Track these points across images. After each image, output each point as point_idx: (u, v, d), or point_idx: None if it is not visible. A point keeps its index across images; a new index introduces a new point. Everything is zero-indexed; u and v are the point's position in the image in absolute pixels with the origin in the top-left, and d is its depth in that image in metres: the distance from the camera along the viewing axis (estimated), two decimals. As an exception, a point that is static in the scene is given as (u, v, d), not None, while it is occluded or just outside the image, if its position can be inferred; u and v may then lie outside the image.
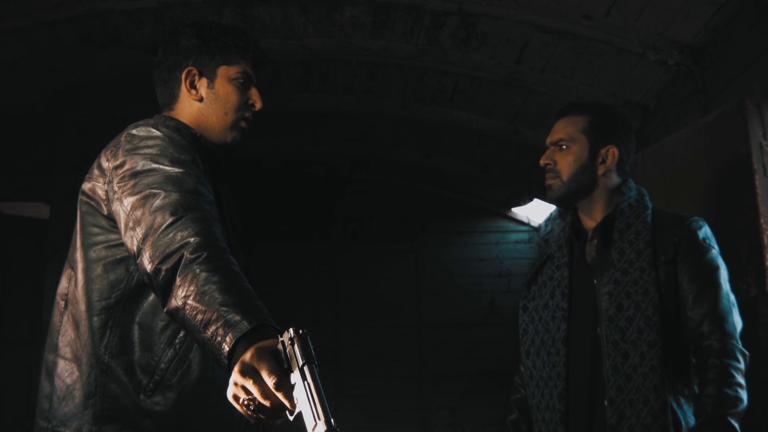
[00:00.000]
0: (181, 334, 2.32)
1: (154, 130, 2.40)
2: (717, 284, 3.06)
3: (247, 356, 1.75)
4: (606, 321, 3.07)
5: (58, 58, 5.94)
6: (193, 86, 2.65)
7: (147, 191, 2.20)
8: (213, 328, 1.88)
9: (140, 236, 2.13)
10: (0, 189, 7.12)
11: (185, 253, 2.02)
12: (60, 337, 2.40)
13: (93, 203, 2.40)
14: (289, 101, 6.98)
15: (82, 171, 2.55)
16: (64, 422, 2.30)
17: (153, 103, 2.77)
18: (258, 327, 1.85)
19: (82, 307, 2.36)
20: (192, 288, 1.95)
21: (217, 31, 2.68)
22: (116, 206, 2.27)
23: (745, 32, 4.45)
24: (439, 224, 9.74)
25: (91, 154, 2.59)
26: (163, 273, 2.03)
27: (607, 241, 3.22)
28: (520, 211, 9.61)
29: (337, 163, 9.25)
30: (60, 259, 5.91)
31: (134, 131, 2.42)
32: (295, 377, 1.70)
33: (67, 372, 2.34)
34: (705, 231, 3.18)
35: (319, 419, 1.62)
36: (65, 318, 2.41)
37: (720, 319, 2.98)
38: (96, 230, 2.39)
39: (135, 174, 2.27)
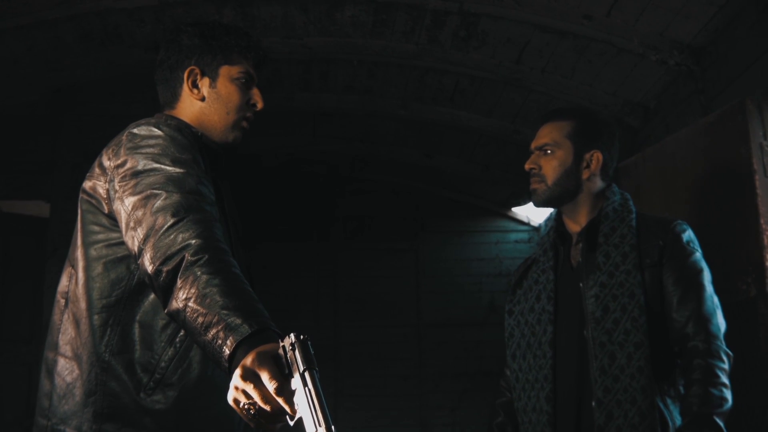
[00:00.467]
0: (181, 333, 2.32)
1: (156, 129, 2.40)
2: (701, 286, 3.12)
3: (248, 361, 1.76)
4: (592, 323, 3.11)
5: (59, 57, 5.94)
6: (195, 85, 2.65)
7: (148, 191, 2.20)
8: (214, 331, 1.88)
9: (141, 237, 2.13)
10: (0, 187, 7.12)
11: (186, 255, 2.02)
12: (60, 335, 2.40)
13: (94, 201, 2.40)
14: (289, 100, 6.98)
15: (82, 169, 2.55)
16: (64, 420, 2.31)
17: (153, 102, 2.78)
18: (259, 331, 1.86)
19: (83, 305, 2.36)
20: (193, 290, 1.96)
21: (219, 30, 2.68)
22: (117, 205, 2.27)
23: (745, 32, 4.45)
24: (439, 224, 9.74)
25: (91, 153, 2.60)
26: (164, 274, 2.04)
27: (593, 245, 3.26)
28: (520, 211, 9.61)
29: (337, 163, 9.25)
30: (60, 257, 5.92)
31: (136, 130, 2.42)
32: (296, 383, 1.71)
33: (67, 370, 2.35)
34: (689, 234, 3.23)
35: (320, 425, 1.63)
36: (66, 316, 2.41)
37: (704, 320, 3.03)
38: (97, 228, 2.39)
39: (136, 173, 2.27)
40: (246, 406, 1.75)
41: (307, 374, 1.70)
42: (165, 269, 2.03)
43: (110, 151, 2.41)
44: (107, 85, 6.46)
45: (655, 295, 3.12)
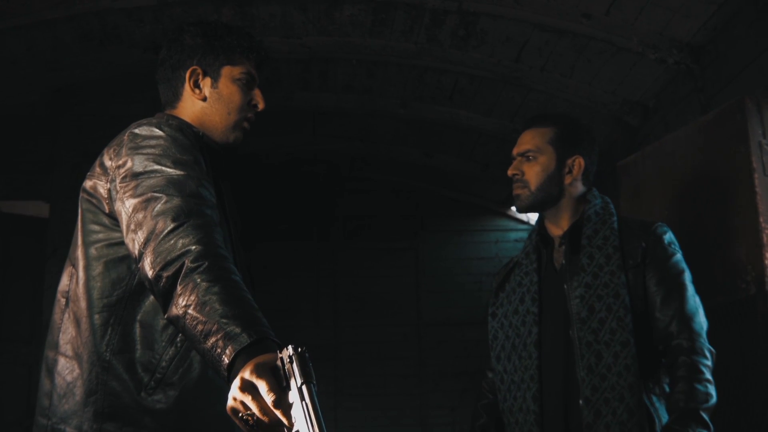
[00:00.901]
0: None
1: (157, 130, 2.40)
2: (683, 286, 3.20)
3: (247, 372, 1.76)
4: (578, 323, 3.16)
5: (58, 57, 5.94)
6: (196, 85, 2.65)
7: (149, 194, 2.21)
8: (213, 339, 1.89)
9: (142, 240, 2.13)
10: (0, 187, 7.12)
11: (186, 261, 2.02)
12: (61, 335, 2.40)
13: (94, 201, 2.41)
14: (288, 100, 6.98)
15: (81, 169, 2.55)
16: (65, 419, 2.31)
17: (153, 102, 2.78)
18: (258, 340, 1.86)
19: (83, 304, 2.36)
20: (193, 297, 1.96)
21: (222, 30, 2.69)
22: (118, 206, 2.28)
23: (744, 31, 4.45)
24: (438, 223, 9.73)
25: (90, 153, 2.60)
26: (164, 280, 2.04)
27: (575, 247, 3.33)
28: (520, 210, 9.59)
29: (336, 162, 9.25)
30: (60, 257, 5.92)
31: (137, 130, 2.42)
32: (293, 396, 1.72)
33: (67, 369, 2.35)
34: (669, 236, 3.33)
35: None
36: (66, 315, 2.41)
37: (688, 319, 3.12)
38: (97, 228, 2.40)
39: (136, 175, 2.28)
40: (244, 417, 1.76)
41: (304, 388, 1.70)
42: (165, 275, 2.04)
43: (112, 150, 2.41)
44: (106, 85, 6.46)
45: (639, 295, 3.19)
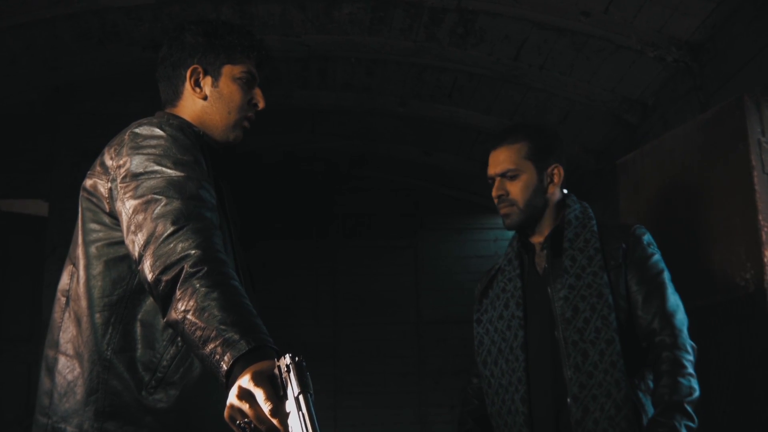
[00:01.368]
0: None
1: (158, 130, 2.40)
2: (663, 285, 3.28)
3: (245, 380, 1.78)
4: (563, 324, 3.22)
5: (57, 56, 5.94)
6: (197, 84, 2.65)
7: (149, 196, 2.21)
8: (212, 345, 1.90)
9: (141, 243, 2.14)
10: (-1, 186, 7.13)
11: (185, 266, 2.03)
12: (61, 334, 2.40)
13: (94, 200, 2.41)
14: (288, 98, 6.98)
15: (81, 168, 2.56)
16: (65, 419, 2.31)
17: (152, 101, 2.78)
18: (256, 348, 1.88)
19: (84, 303, 2.36)
20: (191, 303, 1.98)
21: (223, 29, 2.69)
22: (119, 206, 2.28)
23: (743, 29, 4.45)
24: (438, 221, 9.73)
25: (90, 152, 2.60)
26: (163, 284, 2.05)
27: (557, 251, 3.38)
28: (519, 208, 9.60)
29: (336, 160, 9.24)
30: (59, 256, 5.92)
31: (138, 129, 2.42)
32: (290, 405, 1.74)
33: (68, 368, 2.35)
34: (648, 237, 3.40)
35: None
36: (66, 314, 2.41)
37: (669, 316, 3.19)
38: (97, 227, 2.40)
39: (137, 175, 2.28)
40: (242, 425, 1.77)
41: (301, 398, 1.72)
42: (164, 279, 2.05)
43: (113, 150, 2.41)
44: (105, 83, 6.46)
45: (621, 294, 3.26)
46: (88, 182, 2.45)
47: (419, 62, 6.25)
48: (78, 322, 2.37)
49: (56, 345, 2.41)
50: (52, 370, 2.39)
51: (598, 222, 3.43)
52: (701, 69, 4.96)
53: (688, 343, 3.15)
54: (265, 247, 9.28)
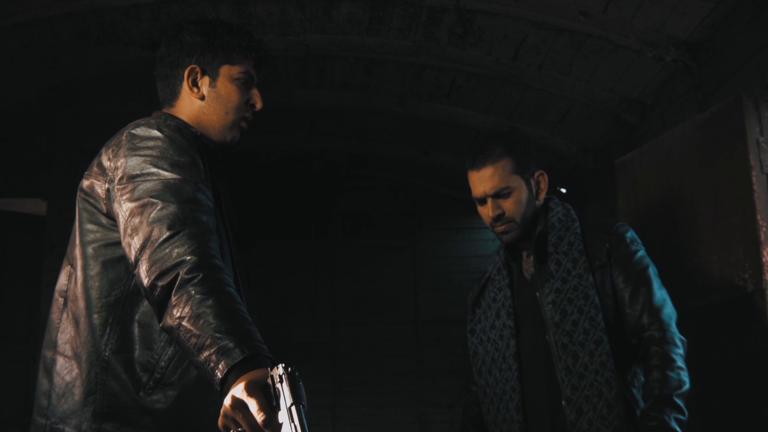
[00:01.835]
0: None
1: (155, 131, 2.40)
2: (649, 280, 3.29)
3: (238, 389, 1.80)
4: (553, 327, 3.25)
5: (55, 55, 5.94)
6: (195, 84, 2.65)
7: (146, 199, 2.21)
8: (206, 353, 1.91)
9: (138, 247, 2.14)
10: (-3, 185, 7.13)
11: (181, 272, 2.04)
12: (59, 334, 2.40)
13: (91, 200, 2.40)
14: (286, 97, 6.98)
15: (79, 167, 2.56)
16: (64, 419, 2.31)
17: (150, 100, 2.78)
18: (251, 356, 1.89)
19: (82, 304, 2.36)
20: (187, 310, 1.98)
21: (221, 29, 2.69)
22: (116, 208, 2.28)
23: (742, 28, 4.45)
24: (436, 220, 9.73)
25: (88, 151, 2.60)
26: (158, 289, 2.06)
27: (543, 256, 3.40)
28: (517, 208, 9.60)
29: (334, 160, 9.24)
30: (57, 255, 5.92)
31: (135, 131, 2.42)
32: (283, 416, 1.75)
33: (66, 369, 2.35)
34: (631, 234, 3.42)
35: None
36: (64, 315, 2.41)
37: (657, 311, 3.22)
38: (94, 228, 2.40)
39: (133, 177, 2.28)
40: None
41: (293, 409, 1.73)
42: (160, 284, 2.05)
43: (110, 151, 2.41)
44: (104, 82, 6.46)
45: (607, 293, 3.29)
46: (85, 183, 2.45)
47: (418, 62, 6.25)
48: (76, 322, 2.37)
49: (54, 345, 2.40)
50: (50, 371, 2.39)
51: (581, 222, 3.45)
52: (700, 69, 4.96)
53: (677, 337, 3.18)
54: (264, 246, 9.29)
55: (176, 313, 1.99)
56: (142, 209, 2.20)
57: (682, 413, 3.01)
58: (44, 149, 6.80)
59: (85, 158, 2.54)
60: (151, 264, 2.08)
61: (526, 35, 5.53)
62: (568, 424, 3.13)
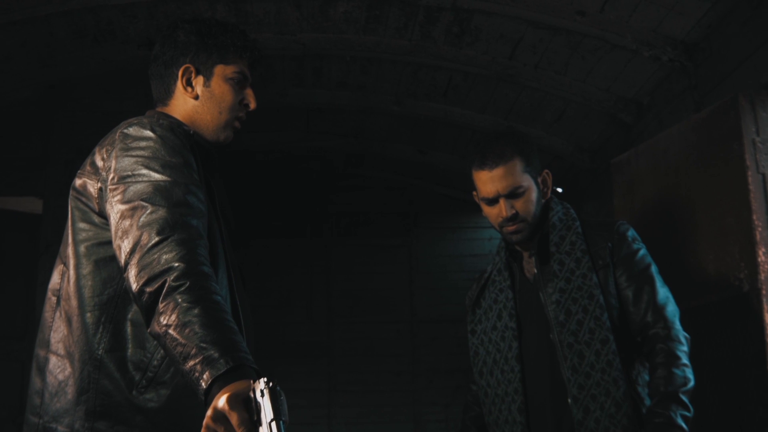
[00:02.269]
0: None
1: (148, 131, 2.39)
2: (652, 278, 3.31)
3: (220, 402, 1.81)
4: (557, 327, 3.26)
5: (52, 53, 5.93)
6: (189, 83, 2.65)
7: (136, 202, 2.22)
8: (191, 363, 1.93)
9: (127, 251, 2.15)
10: (-7, 183, 7.12)
11: (168, 279, 2.05)
12: (52, 333, 2.40)
13: (83, 199, 2.41)
14: (282, 96, 6.97)
15: (75, 165, 2.55)
16: (56, 418, 2.31)
17: (146, 98, 2.78)
18: (235, 367, 1.90)
19: (75, 302, 2.36)
20: (173, 318, 1.99)
21: (216, 28, 2.69)
22: (108, 208, 2.29)
23: (738, 29, 4.45)
24: (432, 220, 9.73)
25: (84, 149, 2.60)
26: (146, 295, 2.07)
27: (544, 256, 3.40)
28: (514, 207, 9.61)
29: (330, 158, 9.24)
30: (53, 254, 5.88)
31: (127, 130, 2.42)
32: (263, 431, 1.77)
33: (59, 368, 2.35)
34: (632, 232, 3.44)
35: None
36: (57, 314, 2.41)
37: (661, 308, 3.25)
38: (87, 227, 2.40)
39: (124, 178, 2.29)
40: None
41: (273, 425, 1.75)
42: (148, 290, 2.06)
43: (104, 150, 2.41)
44: (100, 81, 6.44)
45: (611, 292, 3.30)
46: (77, 181, 2.45)
47: (414, 61, 6.25)
48: (69, 321, 2.37)
49: (47, 344, 2.41)
50: (42, 370, 2.39)
51: (581, 221, 3.45)
52: (696, 69, 4.97)
53: (682, 334, 3.20)
54: (260, 245, 9.28)
55: (163, 320, 2.00)
56: (132, 212, 2.20)
57: (688, 410, 3.03)
58: (40, 147, 6.79)
59: (81, 157, 2.53)
60: (140, 269, 2.09)
61: (522, 35, 5.53)
62: (576, 424, 3.14)
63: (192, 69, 2.65)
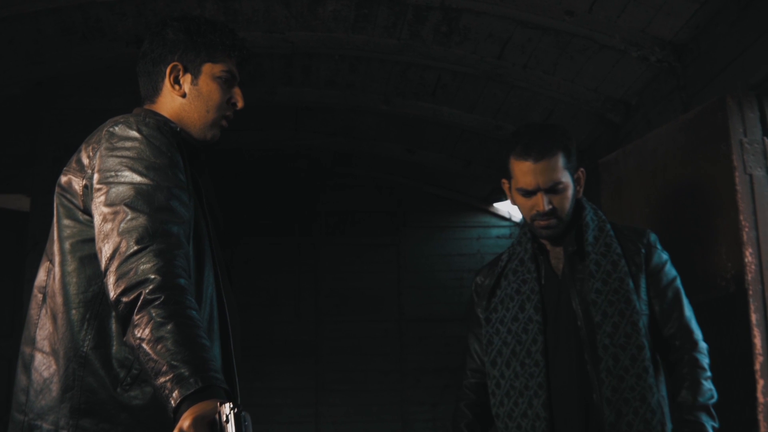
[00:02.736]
0: None
1: (133, 131, 2.39)
2: (679, 291, 3.34)
3: (186, 423, 1.84)
4: (592, 327, 3.21)
5: (40, 50, 5.91)
6: (176, 81, 2.65)
7: (118, 206, 2.22)
8: (162, 379, 1.95)
9: (107, 256, 2.16)
10: (-20, 181, 7.09)
11: (143, 291, 2.06)
12: (38, 330, 2.40)
13: (68, 196, 2.40)
14: (271, 95, 6.97)
15: (63, 163, 2.55)
16: (41, 416, 2.30)
17: (134, 96, 2.77)
18: (205, 387, 1.92)
19: (60, 300, 2.35)
20: (147, 332, 2.01)
21: (205, 27, 2.68)
22: (93, 207, 2.29)
23: (726, 29, 4.46)
24: (421, 219, 9.74)
25: (72, 147, 2.59)
26: (122, 305, 2.08)
27: (578, 254, 3.34)
28: (502, 206, 9.63)
29: (319, 157, 9.24)
30: (40, 251, 5.86)
31: (113, 129, 2.41)
32: None
33: (44, 365, 2.34)
34: (659, 242, 3.42)
35: None
36: (43, 311, 2.40)
37: (688, 321, 3.29)
38: (71, 224, 2.39)
39: (107, 179, 2.29)
40: None
41: None
42: (124, 300, 2.07)
43: (90, 148, 2.41)
44: (88, 78, 6.43)
45: (642, 298, 3.28)
46: (63, 179, 2.44)
47: (403, 60, 6.25)
48: (54, 318, 2.36)
49: (33, 342, 2.40)
50: (28, 367, 2.39)
51: (611, 224, 3.42)
52: (684, 69, 4.97)
53: (704, 347, 3.24)
54: (248, 243, 9.28)
55: (137, 333, 2.02)
56: (114, 216, 2.20)
57: (716, 421, 3.08)
58: (28, 145, 6.77)
59: (68, 154, 2.52)
60: (117, 278, 2.10)
61: (511, 34, 5.53)
62: (607, 425, 3.11)
63: (180, 67, 2.64)
